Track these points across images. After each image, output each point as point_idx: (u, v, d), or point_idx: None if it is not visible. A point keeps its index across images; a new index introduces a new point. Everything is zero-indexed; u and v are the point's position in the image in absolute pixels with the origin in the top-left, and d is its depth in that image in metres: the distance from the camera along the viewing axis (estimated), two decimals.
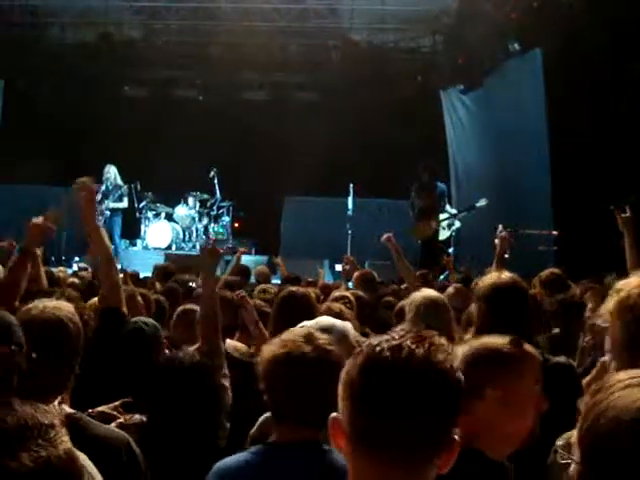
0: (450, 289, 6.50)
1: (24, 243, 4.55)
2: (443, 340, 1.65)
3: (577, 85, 11.02)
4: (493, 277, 3.75)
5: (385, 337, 1.63)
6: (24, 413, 1.36)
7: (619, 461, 1.49)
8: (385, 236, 6.65)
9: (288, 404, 2.66)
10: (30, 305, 2.90)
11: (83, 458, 1.85)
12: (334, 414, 1.65)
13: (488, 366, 2.33)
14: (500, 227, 6.57)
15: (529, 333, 3.57)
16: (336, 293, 6.04)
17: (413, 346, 1.59)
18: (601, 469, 1.52)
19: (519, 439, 2.35)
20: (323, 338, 2.78)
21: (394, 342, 1.61)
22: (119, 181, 15.43)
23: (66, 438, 1.38)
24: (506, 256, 6.26)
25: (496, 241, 6.48)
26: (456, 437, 1.61)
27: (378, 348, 1.60)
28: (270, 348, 2.74)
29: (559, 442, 2.38)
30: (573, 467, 1.60)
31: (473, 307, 4.01)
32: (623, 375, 1.62)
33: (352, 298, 5.68)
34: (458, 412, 1.62)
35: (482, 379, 2.27)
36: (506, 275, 3.71)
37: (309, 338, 2.72)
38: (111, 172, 15.43)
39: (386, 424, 1.57)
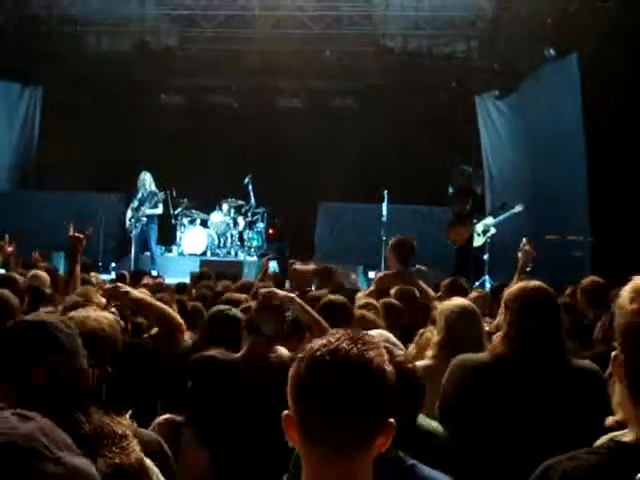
0: (472, 294, 6.50)
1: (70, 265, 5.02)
2: (374, 338, 1.82)
3: (614, 90, 10.92)
4: (521, 285, 3.74)
5: (324, 340, 1.76)
6: (101, 422, 1.45)
7: None
8: None
9: None
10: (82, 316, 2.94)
11: (152, 467, 1.94)
12: (286, 412, 1.78)
13: None
14: (524, 240, 6.58)
15: (558, 341, 3.56)
16: (362, 300, 6.01)
17: (348, 346, 1.73)
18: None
19: None
20: (400, 355, 2.82)
21: (331, 345, 1.74)
22: (154, 188, 15.54)
23: (137, 448, 1.47)
24: (528, 269, 6.26)
25: (519, 254, 6.49)
26: (391, 420, 1.75)
27: (318, 352, 1.74)
28: None
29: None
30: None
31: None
32: None
33: (376, 304, 5.67)
34: (390, 401, 1.76)
35: None
36: (534, 283, 3.70)
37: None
38: (146, 179, 15.54)
39: (326, 420, 1.70)
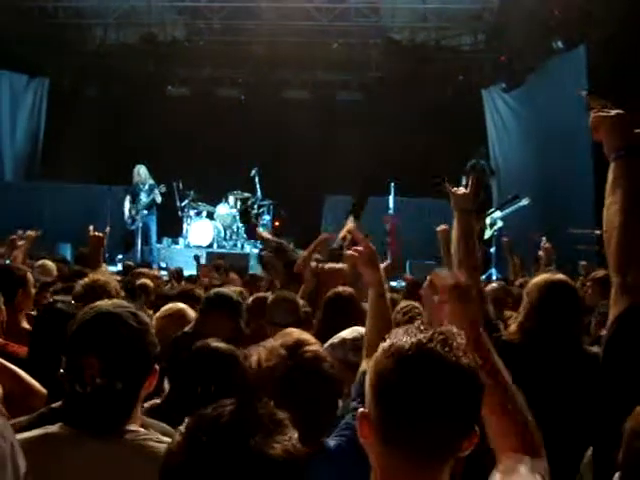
0: (488, 288, 6.47)
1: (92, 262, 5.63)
2: (460, 337, 1.69)
3: (622, 81, 10.87)
4: (545, 276, 3.73)
5: (411, 338, 1.66)
6: (272, 409, 1.49)
7: None
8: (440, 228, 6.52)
9: None
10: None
11: None
12: (363, 410, 1.70)
13: None
14: (544, 239, 6.57)
15: (577, 333, 3.55)
16: (403, 303, 5.91)
17: (442, 350, 1.63)
18: None
19: None
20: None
21: (423, 345, 1.64)
22: (150, 180, 15.55)
23: (296, 436, 1.49)
24: (551, 268, 6.24)
25: (540, 253, 6.47)
26: (476, 428, 1.66)
27: (409, 351, 1.64)
28: None
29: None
30: None
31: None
32: None
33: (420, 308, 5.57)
34: (480, 409, 1.69)
35: None
36: (559, 276, 3.69)
37: None
38: (142, 172, 15.56)
39: (416, 427, 1.61)
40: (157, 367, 2.43)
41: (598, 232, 11.85)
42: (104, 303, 2.46)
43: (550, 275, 3.72)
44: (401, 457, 1.63)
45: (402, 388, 1.61)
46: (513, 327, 3.66)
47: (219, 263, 10.12)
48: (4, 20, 14.70)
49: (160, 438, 2.26)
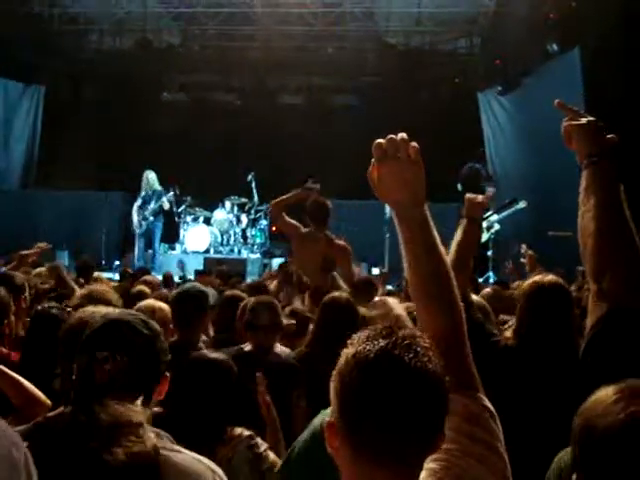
0: (487, 290, 6.47)
1: None
2: (427, 341, 1.67)
3: (617, 85, 10.90)
4: (536, 278, 3.73)
5: (374, 345, 1.63)
6: (117, 412, 1.45)
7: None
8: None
9: None
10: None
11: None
12: (330, 419, 1.66)
13: None
14: (523, 247, 6.61)
15: (570, 334, 3.55)
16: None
17: (405, 356, 1.60)
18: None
19: None
20: None
21: (386, 352, 1.61)
22: (158, 186, 15.54)
23: (152, 435, 1.46)
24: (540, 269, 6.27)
25: (523, 260, 6.50)
26: (443, 430, 1.64)
27: (372, 359, 1.60)
28: None
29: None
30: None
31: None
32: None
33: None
34: (446, 410, 1.66)
35: None
36: (550, 276, 3.69)
37: None
38: (151, 177, 15.53)
39: (382, 435, 1.58)
40: (168, 374, 2.42)
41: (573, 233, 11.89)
42: (113, 311, 2.45)
43: (540, 277, 3.72)
44: (369, 466, 1.60)
45: (366, 397, 1.58)
46: (508, 332, 3.65)
47: (222, 270, 10.01)
48: None
49: (173, 447, 2.26)
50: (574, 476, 1.60)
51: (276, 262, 14.53)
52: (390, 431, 1.57)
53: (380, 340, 1.63)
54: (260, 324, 4.61)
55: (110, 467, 1.38)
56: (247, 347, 4.65)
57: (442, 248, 2.12)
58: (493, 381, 3.18)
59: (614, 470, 1.52)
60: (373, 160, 2.14)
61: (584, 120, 2.69)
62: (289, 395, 4.18)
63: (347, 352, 1.66)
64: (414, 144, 2.13)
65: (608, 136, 2.66)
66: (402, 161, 2.12)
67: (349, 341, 1.69)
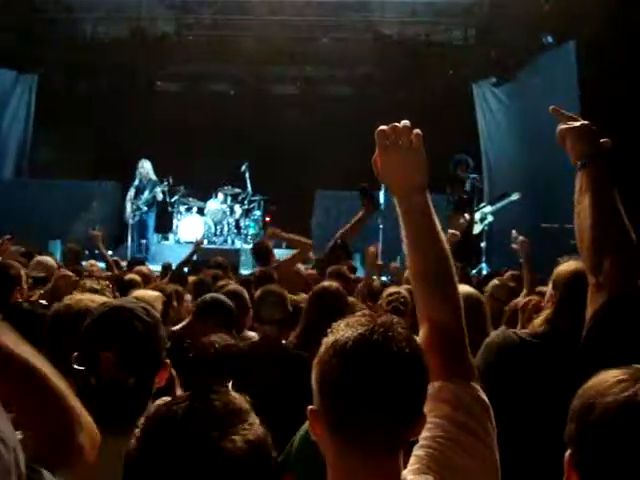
0: (495, 280, 6.50)
1: None
2: (401, 324, 1.71)
3: (612, 77, 10.88)
4: (572, 264, 3.65)
5: (352, 333, 1.66)
6: (228, 398, 1.45)
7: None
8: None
9: None
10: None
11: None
12: (312, 407, 1.70)
13: None
14: (514, 232, 6.58)
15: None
16: (390, 289, 5.88)
17: (383, 341, 1.64)
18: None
19: None
20: None
21: (364, 339, 1.65)
22: (153, 176, 15.51)
23: (258, 421, 1.46)
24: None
25: (514, 246, 6.48)
26: (425, 411, 1.69)
27: (351, 346, 1.64)
28: None
29: None
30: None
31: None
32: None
33: (407, 294, 5.53)
34: (426, 393, 1.70)
35: None
36: (579, 264, 3.63)
37: None
38: (145, 167, 15.50)
39: (363, 420, 1.62)
40: (168, 361, 2.47)
41: (569, 226, 11.89)
42: (116, 300, 2.49)
43: (576, 264, 3.62)
44: (352, 451, 1.64)
45: (346, 383, 1.62)
46: (540, 319, 3.56)
47: (221, 261, 9.94)
48: None
49: None
50: (568, 451, 1.61)
51: None
52: (370, 416, 1.61)
53: (358, 327, 1.67)
54: (267, 317, 4.59)
55: (231, 455, 1.40)
56: (255, 338, 4.63)
57: (443, 235, 2.15)
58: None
59: (609, 448, 1.52)
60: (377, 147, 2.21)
61: (577, 123, 2.74)
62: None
63: (326, 340, 1.70)
64: (417, 131, 2.19)
65: (602, 140, 2.71)
66: (404, 148, 2.19)
67: (329, 329, 1.72)
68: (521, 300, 4.94)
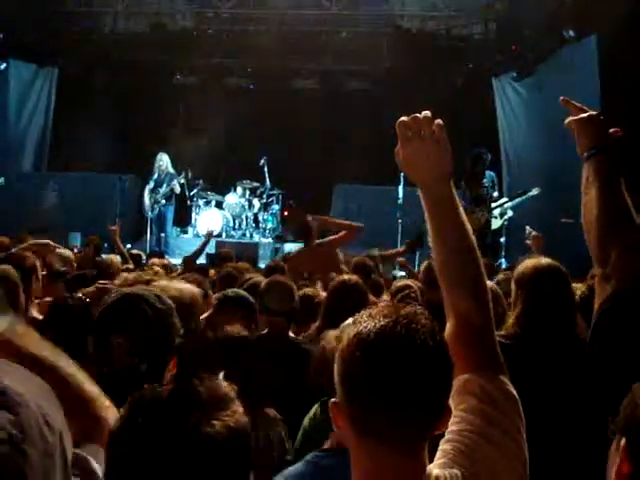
0: (500, 275, 6.48)
1: None
2: (425, 316, 1.68)
3: (633, 72, 10.79)
4: (532, 261, 3.68)
5: (375, 325, 1.63)
6: (213, 385, 1.46)
7: None
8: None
9: None
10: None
11: None
12: (334, 400, 1.68)
13: None
14: (528, 228, 6.56)
15: (571, 322, 3.51)
16: (399, 283, 5.89)
17: (406, 334, 1.61)
18: None
19: None
20: None
21: (387, 332, 1.62)
22: (171, 169, 15.54)
23: (241, 409, 1.48)
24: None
25: (527, 241, 6.46)
26: (450, 404, 1.68)
27: (374, 339, 1.61)
28: None
29: None
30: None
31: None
32: None
33: (416, 287, 5.55)
34: (450, 386, 1.69)
35: None
36: (545, 260, 3.65)
37: None
38: (163, 160, 15.53)
39: (386, 414, 1.60)
40: None
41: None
42: (128, 288, 2.50)
43: (537, 261, 3.67)
44: (375, 445, 1.62)
45: (368, 376, 1.60)
46: (511, 320, 3.61)
47: (226, 252, 9.95)
48: (13, 9, 14.66)
49: None
50: (617, 438, 1.57)
51: (288, 247, 14.53)
52: (393, 409, 1.59)
53: (381, 319, 1.64)
54: (273, 308, 4.57)
55: (210, 440, 1.41)
56: (263, 331, 4.61)
57: (468, 225, 2.13)
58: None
59: None
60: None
61: (585, 114, 2.76)
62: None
63: (349, 332, 1.67)
64: (439, 121, 2.17)
65: (611, 130, 2.68)
66: (426, 139, 2.15)
67: (350, 321, 1.70)
68: None
